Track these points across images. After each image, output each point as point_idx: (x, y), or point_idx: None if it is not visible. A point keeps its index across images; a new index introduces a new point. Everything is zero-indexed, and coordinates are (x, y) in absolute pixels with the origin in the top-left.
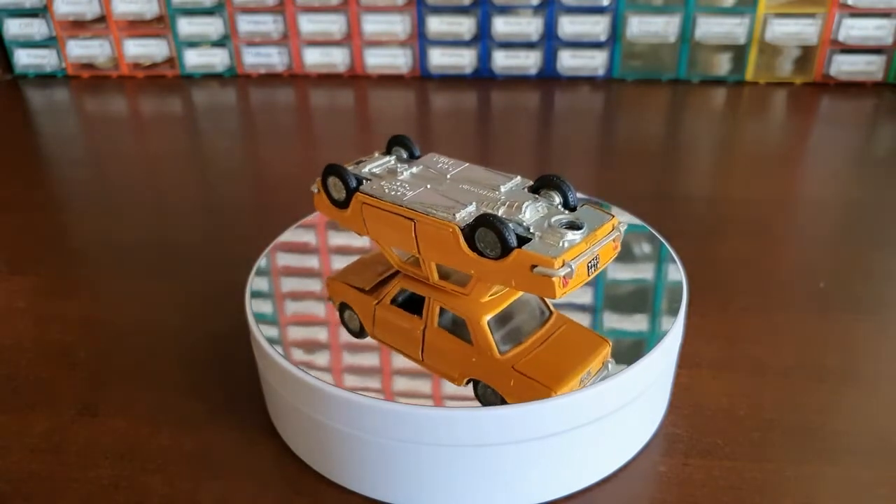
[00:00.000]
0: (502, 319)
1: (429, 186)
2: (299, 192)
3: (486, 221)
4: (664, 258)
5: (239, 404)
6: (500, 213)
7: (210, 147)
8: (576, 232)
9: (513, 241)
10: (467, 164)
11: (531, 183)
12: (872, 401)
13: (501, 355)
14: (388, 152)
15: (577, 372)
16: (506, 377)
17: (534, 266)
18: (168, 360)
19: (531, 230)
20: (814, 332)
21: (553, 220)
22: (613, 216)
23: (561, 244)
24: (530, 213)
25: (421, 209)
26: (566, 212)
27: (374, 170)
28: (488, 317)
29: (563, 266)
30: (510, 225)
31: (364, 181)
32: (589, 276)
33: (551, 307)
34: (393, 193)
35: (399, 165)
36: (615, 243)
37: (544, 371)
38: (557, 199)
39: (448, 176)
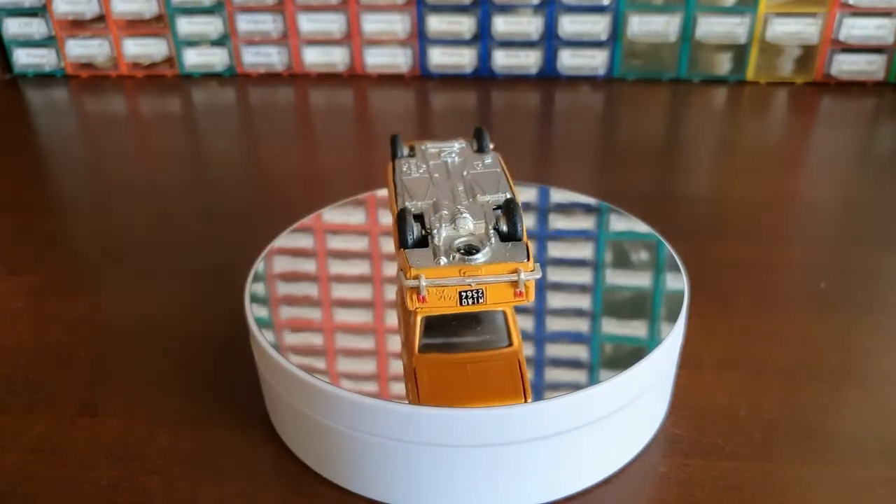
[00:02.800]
0: (454, 326)
1: (437, 176)
2: (300, 191)
3: (398, 215)
4: (664, 258)
5: (239, 404)
6: (440, 214)
7: (209, 147)
8: (462, 256)
9: (405, 240)
10: (497, 171)
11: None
12: (874, 401)
13: (419, 353)
14: (472, 139)
15: (462, 403)
16: (408, 374)
17: (400, 269)
18: (168, 361)
19: (436, 240)
20: (815, 332)
21: (460, 240)
22: (526, 263)
23: (436, 260)
24: (461, 226)
25: (399, 189)
26: (493, 239)
27: (430, 149)
28: (424, 314)
29: (413, 279)
30: (415, 227)
31: (410, 155)
32: (461, 306)
33: (513, 339)
34: (403, 170)
35: (451, 153)
36: (517, 290)
37: (434, 386)
38: (504, 224)
39: (464, 173)
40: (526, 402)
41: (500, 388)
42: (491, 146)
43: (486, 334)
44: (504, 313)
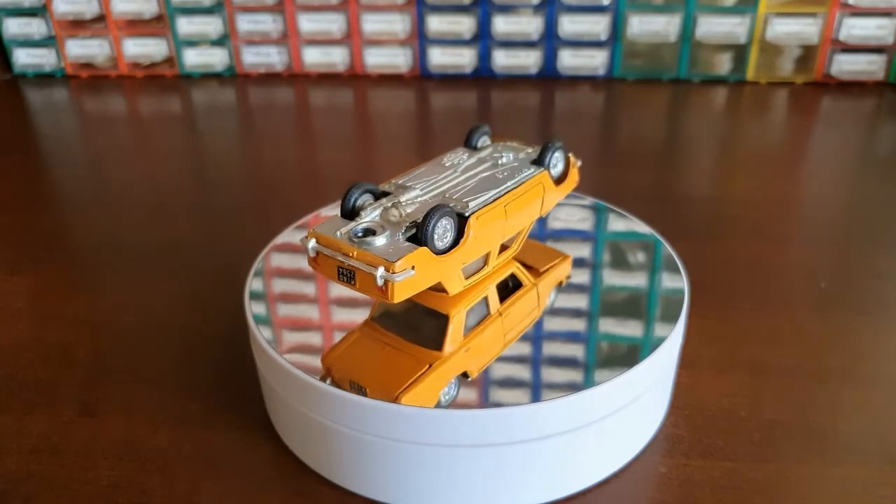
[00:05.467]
0: (418, 314)
1: (457, 170)
2: (299, 191)
3: (349, 187)
4: (664, 258)
5: (238, 404)
6: (389, 198)
7: (209, 147)
8: (354, 235)
9: (342, 209)
10: (511, 182)
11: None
12: (874, 401)
13: (368, 320)
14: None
15: (347, 377)
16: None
17: None
18: (168, 360)
19: (360, 217)
20: (815, 332)
21: (358, 229)
22: (392, 264)
23: (336, 233)
24: (391, 214)
25: (412, 170)
26: (401, 235)
27: (497, 148)
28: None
29: (309, 240)
30: (358, 199)
31: (478, 148)
32: (338, 279)
33: (444, 347)
34: (444, 158)
35: (507, 155)
36: (378, 287)
37: (344, 353)
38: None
39: (479, 175)
40: (394, 402)
41: (386, 379)
42: (577, 163)
43: (431, 332)
44: (449, 319)
